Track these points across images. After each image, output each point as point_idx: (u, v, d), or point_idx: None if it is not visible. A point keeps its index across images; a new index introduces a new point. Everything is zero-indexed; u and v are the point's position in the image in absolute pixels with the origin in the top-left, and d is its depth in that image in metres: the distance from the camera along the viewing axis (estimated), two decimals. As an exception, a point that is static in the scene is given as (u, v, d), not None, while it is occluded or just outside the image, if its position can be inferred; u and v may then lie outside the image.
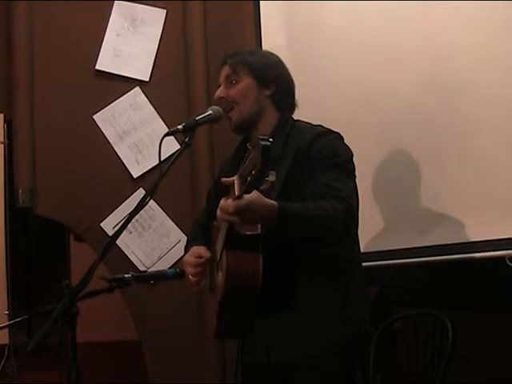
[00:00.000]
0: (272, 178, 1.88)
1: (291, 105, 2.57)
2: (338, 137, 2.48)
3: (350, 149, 2.47)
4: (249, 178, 1.91)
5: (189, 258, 2.52)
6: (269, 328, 2.37)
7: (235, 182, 2.02)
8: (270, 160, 1.85)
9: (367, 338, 2.48)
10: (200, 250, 2.53)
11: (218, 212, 2.14)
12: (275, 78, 2.51)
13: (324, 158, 2.35)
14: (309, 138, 2.40)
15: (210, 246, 2.58)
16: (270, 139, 1.87)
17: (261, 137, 1.87)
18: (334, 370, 2.35)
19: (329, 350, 2.34)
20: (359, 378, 2.49)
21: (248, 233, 2.18)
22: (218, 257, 2.35)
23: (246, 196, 2.05)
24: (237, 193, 2.01)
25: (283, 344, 2.36)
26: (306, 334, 2.35)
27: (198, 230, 2.75)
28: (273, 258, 2.23)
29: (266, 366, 2.40)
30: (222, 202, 2.12)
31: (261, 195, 2.07)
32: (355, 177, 2.44)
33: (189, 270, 2.49)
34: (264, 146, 1.84)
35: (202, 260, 2.48)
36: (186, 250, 2.68)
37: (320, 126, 2.51)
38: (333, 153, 2.38)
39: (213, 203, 2.63)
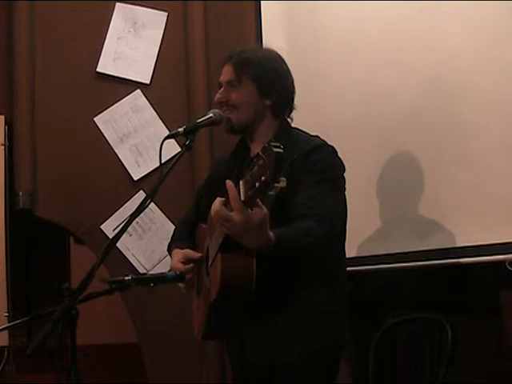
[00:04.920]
0: (283, 184, 1.88)
1: (289, 110, 2.57)
2: (333, 150, 2.49)
3: (343, 164, 2.49)
4: (257, 184, 1.90)
5: (178, 264, 2.52)
6: (259, 330, 2.39)
7: (240, 186, 2.01)
8: (282, 166, 1.86)
9: (345, 345, 2.49)
10: (187, 253, 2.53)
11: (221, 221, 2.12)
12: (277, 87, 2.50)
13: (317, 172, 2.36)
14: (306, 149, 2.40)
15: (195, 247, 2.59)
16: (282, 146, 1.88)
17: (273, 144, 1.87)
18: (317, 373, 2.38)
19: (311, 354, 2.37)
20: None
21: None
22: (211, 261, 2.36)
23: (258, 213, 2.04)
24: (242, 197, 2.01)
25: (271, 346, 2.38)
26: (291, 338, 2.37)
27: (186, 229, 2.75)
28: (262, 265, 2.24)
29: (256, 365, 2.43)
30: (233, 215, 2.06)
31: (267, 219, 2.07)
32: (345, 191, 2.47)
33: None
34: (277, 152, 1.85)
35: (190, 266, 2.49)
36: (170, 247, 2.69)
37: (317, 136, 2.52)
38: (326, 167, 2.40)
39: (204, 202, 2.63)
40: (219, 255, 2.22)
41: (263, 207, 2.04)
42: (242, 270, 2.19)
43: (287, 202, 2.30)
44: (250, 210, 2.03)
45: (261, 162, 1.89)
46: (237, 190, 2.02)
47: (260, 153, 1.91)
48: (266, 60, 2.54)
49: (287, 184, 2.21)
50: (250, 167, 1.96)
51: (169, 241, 2.77)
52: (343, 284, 2.51)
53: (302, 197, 2.33)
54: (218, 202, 2.11)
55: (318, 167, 2.37)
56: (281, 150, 1.86)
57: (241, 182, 2.01)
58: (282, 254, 2.19)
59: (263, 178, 1.87)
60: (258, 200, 2.01)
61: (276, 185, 1.88)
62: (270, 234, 2.11)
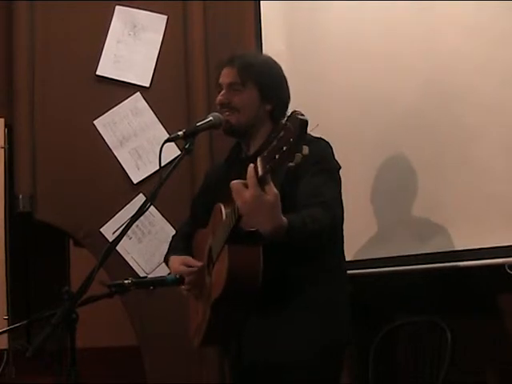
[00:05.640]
0: (305, 151, 1.86)
1: (283, 116, 2.58)
2: (330, 146, 2.51)
3: (338, 162, 2.50)
4: (277, 156, 1.89)
5: (181, 267, 2.52)
6: (259, 329, 2.39)
7: (258, 162, 1.99)
8: (305, 134, 1.85)
9: (350, 343, 2.50)
10: (188, 259, 2.54)
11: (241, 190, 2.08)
12: (277, 92, 2.53)
13: (317, 162, 2.36)
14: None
15: (192, 257, 2.58)
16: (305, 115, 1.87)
17: (297, 111, 1.86)
18: (321, 374, 2.37)
19: (312, 353, 2.36)
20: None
21: (251, 229, 2.17)
22: (215, 257, 2.36)
23: (270, 192, 2.01)
24: (261, 172, 1.98)
25: (271, 346, 2.38)
26: (292, 337, 2.37)
27: (182, 240, 2.75)
28: (264, 263, 2.24)
29: (256, 365, 2.42)
30: (246, 190, 2.05)
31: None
32: (340, 188, 2.48)
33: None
34: (302, 119, 1.84)
35: (194, 269, 2.49)
36: (167, 259, 2.68)
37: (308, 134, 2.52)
38: (323, 158, 2.42)
39: (199, 212, 2.64)
40: (226, 248, 2.22)
41: (274, 188, 2.02)
42: (248, 264, 2.20)
43: (292, 191, 2.30)
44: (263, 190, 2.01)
45: (282, 133, 1.87)
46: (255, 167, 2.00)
47: (283, 122, 1.89)
48: (268, 65, 2.58)
49: (287, 179, 2.20)
50: (268, 143, 1.93)
51: (166, 251, 2.77)
52: (344, 284, 2.51)
53: (305, 186, 2.34)
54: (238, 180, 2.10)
55: (317, 157, 2.36)
56: (305, 118, 1.85)
57: (258, 159, 1.98)
58: (292, 241, 2.17)
59: (285, 148, 1.85)
60: (270, 180, 2.00)
61: (297, 154, 1.86)
62: (283, 218, 2.10)
